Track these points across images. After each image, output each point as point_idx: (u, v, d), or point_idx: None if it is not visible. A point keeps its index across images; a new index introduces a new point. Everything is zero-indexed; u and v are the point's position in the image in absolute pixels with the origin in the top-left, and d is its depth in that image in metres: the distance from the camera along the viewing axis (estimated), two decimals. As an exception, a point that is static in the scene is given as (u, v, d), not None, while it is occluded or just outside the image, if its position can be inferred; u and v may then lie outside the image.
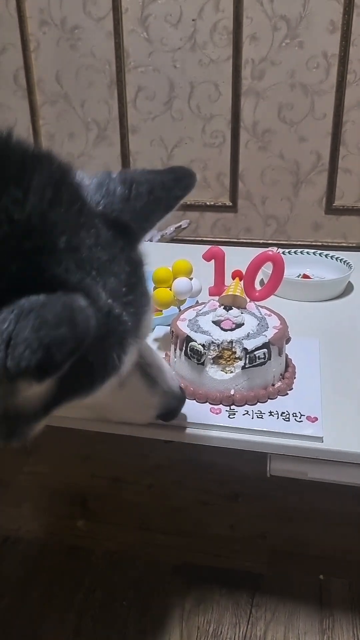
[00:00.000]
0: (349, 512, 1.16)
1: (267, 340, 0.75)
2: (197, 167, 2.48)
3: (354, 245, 2.46)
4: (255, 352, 0.75)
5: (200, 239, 2.54)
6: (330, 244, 2.45)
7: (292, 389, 0.79)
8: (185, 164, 2.42)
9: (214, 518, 1.20)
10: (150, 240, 2.36)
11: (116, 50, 2.35)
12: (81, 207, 0.49)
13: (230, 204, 2.52)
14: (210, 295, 0.91)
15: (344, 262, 1.22)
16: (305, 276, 1.21)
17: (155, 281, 0.91)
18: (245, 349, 0.74)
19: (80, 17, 2.33)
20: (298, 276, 1.20)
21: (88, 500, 1.27)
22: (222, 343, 0.75)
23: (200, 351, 0.75)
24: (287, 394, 0.78)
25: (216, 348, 0.75)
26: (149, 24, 2.30)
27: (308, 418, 0.72)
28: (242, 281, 0.87)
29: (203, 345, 0.75)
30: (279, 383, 0.78)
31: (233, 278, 0.89)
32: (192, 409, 0.74)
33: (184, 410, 0.71)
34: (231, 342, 0.75)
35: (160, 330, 0.94)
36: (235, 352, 0.74)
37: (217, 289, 0.92)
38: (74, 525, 1.20)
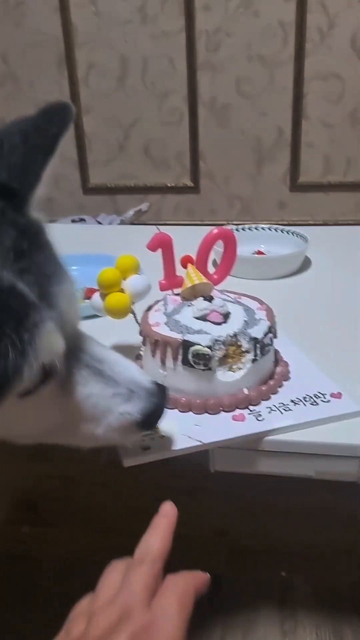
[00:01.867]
0: (311, 505, 1.09)
1: (269, 324, 0.67)
2: (155, 147, 2.38)
3: (320, 222, 2.38)
4: (264, 339, 0.66)
5: (162, 222, 2.45)
6: (296, 222, 2.37)
7: (290, 371, 0.71)
8: (143, 144, 2.33)
9: (170, 516, 1.12)
10: (110, 224, 2.26)
11: (64, 26, 2.23)
12: None
13: (192, 184, 2.42)
14: (162, 289, 0.76)
15: (300, 236, 1.14)
16: (259, 253, 1.14)
17: (102, 286, 0.75)
18: (254, 339, 0.65)
19: (23, -9, 2.21)
20: (252, 253, 1.12)
21: (38, 503, 1.18)
22: (226, 339, 0.64)
23: (208, 354, 0.64)
24: (289, 378, 0.70)
25: (221, 346, 0.64)
26: (96, -3, 2.18)
27: (332, 395, 0.66)
28: (195, 266, 0.76)
29: (209, 347, 0.64)
30: (279, 368, 0.71)
31: (184, 266, 0.77)
32: (213, 424, 0.64)
33: (202, 431, 0.61)
34: (235, 335, 0.65)
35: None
36: (241, 346, 0.65)
37: (169, 281, 0.77)
38: (21, 532, 1.11)
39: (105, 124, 2.36)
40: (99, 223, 2.30)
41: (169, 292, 0.75)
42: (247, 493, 1.12)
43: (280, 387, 0.68)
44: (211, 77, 2.23)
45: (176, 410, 0.66)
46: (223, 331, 0.65)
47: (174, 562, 1.01)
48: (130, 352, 0.73)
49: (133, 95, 2.31)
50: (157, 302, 0.75)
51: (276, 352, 0.73)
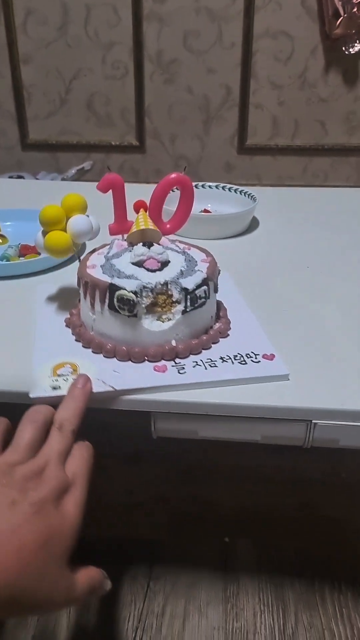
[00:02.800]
0: (253, 468, 1.08)
1: (206, 276, 0.64)
2: (99, 102, 2.26)
3: (267, 186, 2.35)
4: (197, 291, 0.63)
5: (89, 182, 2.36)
6: (244, 185, 2.33)
7: (230, 328, 0.68)
8: (86, 98, 2.21)
9: (110, 483, 1.08)
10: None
11: (-2, -36, 2.06)
12: None
13: (137, 143, 2.33)
14: (111, 234, 0.73)
15: (248, 195, 1.10)
16: (205, 211, 1.09)
17: (44, 223, 0.71)
18: (185, 290, 0.62)
19: None
20: (199, 212, 1.07)
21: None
22: (155, 286, 0.61)
23: (133, 300, 0.61)
24: (227, 335, 0.67)
25: (149, 293, 0.61)
26: None
27: (264, 357, 0.63)
28: (147, 212, 0.72)
29: (135, 293, 0.61)
30: (218, 324, 0.68)
31: (136, 211, 0.73)
32: (132, 372, 0.61)
33: (119, 377, 0.59)
34: (166, 283, 0.62)
35: (52, 285, 0.78)
36: (172, 296, 0.62)
37: (119, 225, 0.73)
38: None
39: (46, 75, 2.23)
40: (36, 178, 2.18)
41: (119, 236, 0.71)
42: (189, 459, 1.09)
43: (215, 343, 0.66)
44: (158, 29, 2.13)
45: (101, 355, 0.64)
46: (155, 279, 0.62)
47: (117, 527, 0.99)
48: (75, 295, 0.69)
49: (75, 45, 2.18)
50: (104, 245, 0.72)
51: (220, 308, 0.71)
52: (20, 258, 0.89)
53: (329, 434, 0.61)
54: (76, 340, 0.67)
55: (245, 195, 1.12)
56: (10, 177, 2.15)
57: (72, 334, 0.68)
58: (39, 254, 0.89)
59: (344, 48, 2.10)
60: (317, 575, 0.90)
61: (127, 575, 0.91)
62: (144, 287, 0.61)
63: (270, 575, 0.90)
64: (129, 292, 0.61)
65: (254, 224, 1.06)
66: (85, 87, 2.24)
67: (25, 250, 0.90)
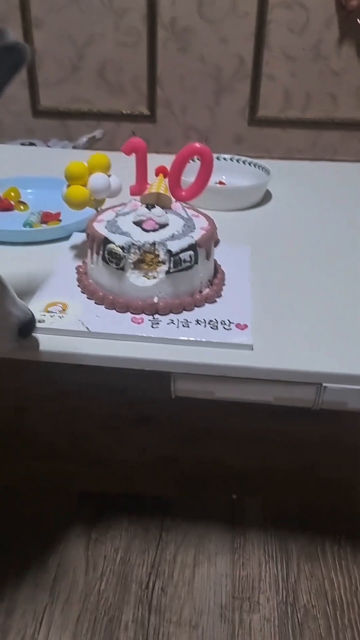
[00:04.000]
0: (260, 430, 1.13)
1: (194, 242, 0.68)
2: (111, 69, 2.26)
3: (276, 159, 2.36)
4: (181, 255, 0.67)
5: (117, 151, 2.35)
6: (253, 157, 2.34)
7: (220, 296, 0.73)
8: (98, 65, 2.21)
9: (123, 443, 1.14)
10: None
11: None
12: None
13: (149, 113, 2.33)
14: (131, 194, 0.80)
15: (262, 168, 1.13)
16: (220, 183, 1.12)
17: (68, 177, 0.79)
18: (169, 252, 0.67)
19: None
20: (214, 183, 1.10)
21: (-11, 432, 1.17)
22: (143, 245, 0.67)
23: (119, 254, 0.67)
24: (215, 301, 0.72)
25: (137, 251, 0.67)
26: None
27: (237, 326, 0.67)
28: (167, 179, 0.77)
29: (122, 248, 0.66)
30: (207, 290, 0.72)
31: (156, 175, 0.78)
32: (111, 319, 0.67)
33: (98, 322, 0.65)
34: (154, 243, 0.67)
35: (77, 237, 0.85)
36: (158, 256, 0.67)
37: (139, 187, 0.80)
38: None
39: (58, 40, 2.21)
40: (48, 146, 2.19)
41: (137, 197, 0.76)
42: (197, 420, 1.14)
43: (200, 306, 0.70)
44: (172, -4, 2.11)
45: (92, 301, 0.70)
46: (148, 238, 0.67)
47: (130, 483, 1.05)
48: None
49: (88, 10, 2.16)
50: (122, 204, 0.77)
51: (217, 274, 0.75)
52: (43, 225, 0.92)
53: (337, 397, 0.65)
54: (78, 285, 0.73)
55: (258, 168, 1.14)
56: (22, 143, 2.15)
57: (76, 280, 0.74)
58: (61, 220, 0.93)
59: (359, 20, 2.09)
60: (319, 530, 0.96)
61: (140, 526, 0.97)
62: (133, 244, 0.66)
63: (274, 529, 0.96)
64: (117, 246, 0.66)
65: (267, 196, 1.09)
66: (97, 53, 2.23)
67: (47, 218, 0.93)
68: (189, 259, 0.68)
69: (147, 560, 0.92)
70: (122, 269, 0.67)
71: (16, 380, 1.24)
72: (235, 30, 2.15)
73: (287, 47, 2.18)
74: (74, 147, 2.21)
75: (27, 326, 0.61)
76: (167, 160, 0.77)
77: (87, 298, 0.71)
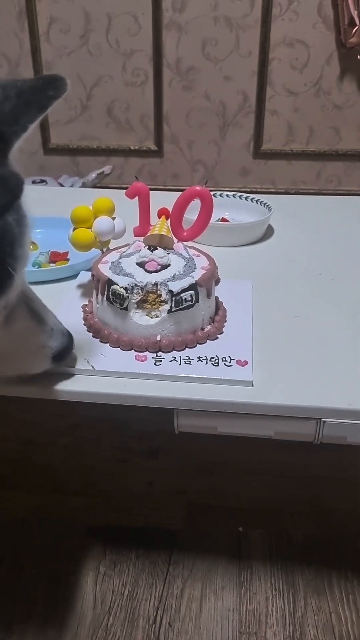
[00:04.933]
0: (267, 462, 1.14)
1: (195, 282, 0.70)
2: (119, 108, 2.33)
3: (282, 190, 2.41)
4: (182, 295, 0.70)
5: (125, 186, 2.41)
6: (259, 189, 2.39)
7: (222, 332, 0.74)
8: (106, 104, 2.28)
9: (131, 476, 1.15)
10: (72, 187, 2.22)
11: (23, -25, 2.13)
12: None
13: (156, 148, 2.40)
14: (135, 235, 0.83)
15: (264, 204, 1.15)
16: (223, 220, 1.15)
17: (74, 221, 0.82)
18: (170, 292, 0.69)
19: None
20: (216, 220, 1.13)
21: (-2, 465, 1.19)
22: (146, 285, 0.69)
23: (123, 295, 0.69)
24: (217, 338, 0.73)
25: (140, 291, 0.69)
26: None
27: (238, 362, 0.68)
28: (169, 220, 0.80)
29: (125, 289, 0.69)
30: (209, 327, 0.74)
31: (159, 217, 0.82)
32: (116, 357, 0.69)
33: (103, 360, 0.67)
34: (156, 284, 0.69)
35: (84, 277, 0.87)
36: (160, 295, 0.70)
37: (142, 228, 0.83)
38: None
39: (68, 82, 2.29)
40: (61, 185, 2.25)
41: (141, 238, 0.79)
42: (205, 452, 1.15)
43: (202, 343, 0.72)
44: (177, 37, 2.19)
45: (98, 340, 0.72)
46: (150, 279, 0.70)
47: (138, 515, 1.05)
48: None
49: (97, 53, 2.24)
50: (126, 245, 0.80)
51: (219, 311, 0.77)
52: (51, 264, 0.95)
53: (337, 432, 0.66)
54: (84, 324, 0.75)
55: (261, 204, 1.17)
56: (34, 181, 2.22)
57: (82, 318, 0.76)
58: (68, 260, 0.96)
59: (359, 56, 2.15)
60: (325, 563, 0.96)
61: (147, 560, 0.98)
62: (136, 285, 0.69)
63: (281, 562, 0.96)
64: (120, 287, 0.69)
65: (269, 232, 1.11)
66: (105, 93, 2.31)
67: (55, 257, 0.97)
68: (190, 298, 0.70)
69: (155, 594, 0.92)
70: (126, 308, 0.70)
71: (25, 414, 1.26)
72: (239, 68, 2.22)
73: (289, 83, 2.24)
74: (84, 183, 2.27)
75: (61, 354, 0.64)
76: (171, 197, 0.80)
77: (93, 336, 0.73)
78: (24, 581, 0.94)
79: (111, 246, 0.85)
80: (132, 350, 0.71)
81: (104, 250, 0.84)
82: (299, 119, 2.29)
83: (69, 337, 0.65)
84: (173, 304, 0.69)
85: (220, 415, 0.67)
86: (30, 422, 1.27)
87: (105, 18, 2.18)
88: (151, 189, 0.82)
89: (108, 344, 0.72)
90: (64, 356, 0.65)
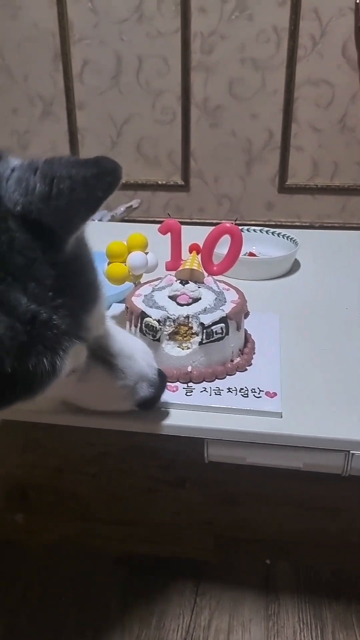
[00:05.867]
0: (296, 495, 1.13)
1: (225, 315, 0.73)
2: (147, 144, 2.41)
3: (307, 224, 2.44)
4: (213, 327, 0.72)
5: (152, 219, 2.48)
6: (283, 223, 2.43)
7: (251, 364, 0.77)
8: (135, 141, 2.35)
9: (159, 505, 1.16)
10: (100, 220, 2.28)
11: (60, 20, 2.24)
12: None
13: (183, 183, 2.46)
14: (167, 270, 0.86)
15: (291, 239, 1.19)
16: (251, 254, 1.18)
17: (109, 255, 0.86)
18: (202, 324, 0.72)
19: (20, -15, 2.22)
20: (244, 254, 1.16)
21: (28, 492, 1.21)
22: (177, 318, 0.72)
23: (155, 327, 0.72)
24: (246, 370, 0.76)
25: (172, 323, 0.72)
26: (93, -6, 2.20)
27: (267, 394, 0.70)
28: (200, 255, 0.84)
29: (158, 321, 0.72)
30: (238, 359, 0.76)
31: (190, 252, 0.85)
32: None
33: None
34: (187, 317, 0.72)
35: (116, 308, 0.90)
36: (191, 328, 0.72)
37: (174, 263, 0.87)
38: (13, 519, 1.14)
39: (99, 120, 2.38)
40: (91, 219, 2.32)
41: (172, 272, 0.82)
42: (233, 483, 1.16)
43: (231, 374, 0.74)
44: (204, 78, 2.27)
45: None
46: (182, 312, 0.72)
47: (165, 546, 1.06)
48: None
49: (127, 92, 2.33)
50: (158, 278, 0.83)
51: (248, 343, 0.79)
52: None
53: (366, 464, 0.67)
54: None
55: (287, 239, 1.20)
56: (64, 214, 2.28)
57: None
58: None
59: (382, 95, 2.19)
60: (354, 597, 0.95)
61: (175, 590, 0.98)
62: (168, 317, 0.71)
63: (309, 595, 0.96)
64: (153, 320, 0.72)
65: (295, 266, 1.14)
66: (135, 130, 2.39)
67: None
68: (220, 331, 0.73)
69: (182, 625, 0.93)
70: (158, 340, 0.72)
71: (55, 442, 1.29)
72: (265, 106, 2.28)
73: (314, 120, 2.29)
74: (113, 216, 2.34)
75: (145, 404, 0.64)
76: (199, 231, 0.83)
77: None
78: (53, 608, 0.96)
79: (143, 279, 0.88)
80: None
81: (137, 283, 0.87)
82: (324, 155, 2.34)
83: (157, 387, 0.64)
84: (204, 336, 0.72)
85: (249, 446, 0.69)
86: (60, 450, 1.29)
87: (136, 60, 2.27)
88: (187, 225, 0.85)
89: None
90: (149, 406, 0.65)
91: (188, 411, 0.69)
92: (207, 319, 0.72)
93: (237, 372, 0.75)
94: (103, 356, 0.59)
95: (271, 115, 2.29)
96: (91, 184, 0.49)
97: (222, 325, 0.73)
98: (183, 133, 2.36)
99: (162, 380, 0.65)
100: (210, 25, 2.18)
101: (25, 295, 0.45)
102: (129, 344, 0.63)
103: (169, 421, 0.68)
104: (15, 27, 2.28)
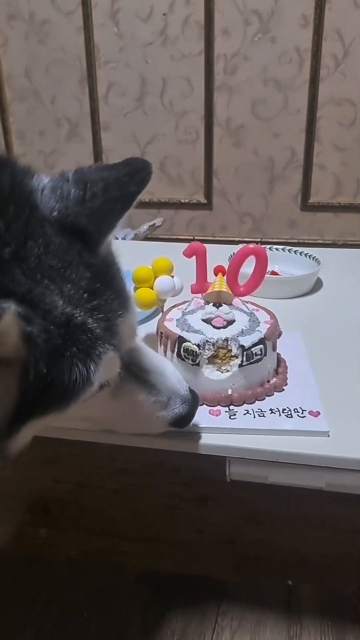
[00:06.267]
0: (318, 516, 1.13)
1: (263, 336, 0.73)
2: (170, 163, 2.44)
3: (329, 242, 2.43)
4: (252, 349, 0.72)
5: (175, 237, 2.50)
6: (306, 241, 2.43)
7: (287, 384, 0.76)
8: (159, 160, 2.39)
9: (180, 523, 1.16)
10: (124, 239, 2.31)
11: (86, 45, 2.30)
12: (29, 216, 0.47)
13: (205, 201, 2.48)
14: (192, 292, 0.86)
15: (313, 258, 1.19)
16: (273, 273, 1.18)
17: (135, 281, 0.86)
18: (242, 346, 0.71)
19: (49, 11, 2.28)
20: (267, 273, 1.16)
21: (50, 506, 1.22)
22: (217, 341, 0.71)
23: (195, 351, 0.72)
24: (283, 389, 0.75)
25: (211, 347, 0.71)
26: (119, 19, 2.25)
27: (310, 413, 0.70)
28: (225, 276, 0.84)
29: (198, 345, 0.71)
30: (274, 379, 0.76)
31: (215, 274, 0.85)
32: None
33: None
34: (226, 339, 0.72)
35: (140, 331, 0.91)
36: (230, 350, 0.71)
37: (199, 286, 0.86)
38: (35, 533, 1.15)
39: (123, 140, 2.43)
40: (114, 237, 2.35)
41: (199, 295, 0.82)
42: (255, 502, 1.15)
43: (270, 395, 0.74)
44: (227, 98, 2.29)
45: None
46: (218, 335, 0.72)
47: (187, 564, 1.06)
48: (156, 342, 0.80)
49: (151, 113, 2.37)
50: (185, 302, 0.83)
51: (280, 363, 0.79)
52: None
53: None
54: None
55: (309, 257, 1.20)
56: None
57: None
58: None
59: None
60: (378, 621, 0.94)
61: (196, 609, 0.98)
62: (207, 341, 0.71)
63: (331, 617, 0.95)
64: (193, 344, 0.71)
65: (318, 285, 1.14)
66: (158, 150, 2.42)
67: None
68: (259, 352, 0.72)
69: (203, 644, 0.92)
70: (198, 364, 0.72)
71: (78, 457, 1.30)
72: (287, 126, 2.30)
73: (337, 139, 2.30)
74: (136, 235, 2.37)
75: (179, 422, 0.63)
76: (221, 251, 0.83)
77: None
78: (74, 624, 0.96)
79: (166, 303, 0.88)
80: (204, 405, 0.72)
81: (163, 307, 0.88)
82: (347, 173, 2.34)
83: (190, 403, 0.64)
84: (244, 358, 0.71)
85: (271, 465, 0.68)
86: (82, 465, 1.30)
87: (160, 82, 2.31)
88: (200, 240, 0.86)
89: None
90: (183, 423, 0.64)
91: (234, 435, 0.68)
92: (246, 341, 0.72)
93: (275, 393, 0.74)
94: (136, 372, 0.59)
95: (294, 135, 2.31)
96: (124, 182, 0.51)
97: (261, 346, 0.72)
98: (206, 152, 2.39)
99: (194, 397, 0.65)
100: (233, 47, 2.21)
101: (61, 298, 0.46)
102: (159, 361, 0.63)
103: (209, 441, 0.68)
104: (43, 51, 2.34)
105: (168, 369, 0.63)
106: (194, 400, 0.64)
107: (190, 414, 0.64)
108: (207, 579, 1.04)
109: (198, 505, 1.20)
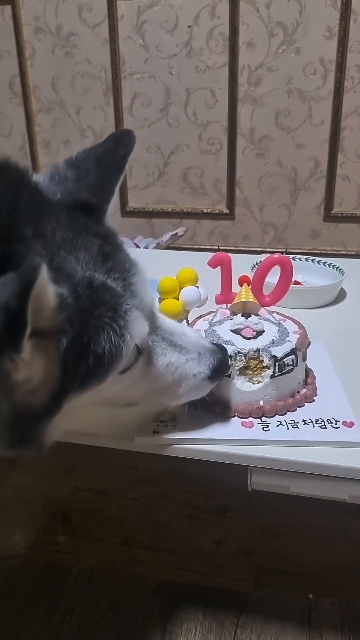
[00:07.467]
0: (340, 529, 1.11)
1: (294, 346, 0.72)
2: (194, 174, 2.45)
3: (353, 253, 2.42)
4: (284, 359, 0.71)
5: (197, 246, 2.51)
6: (329, 251, 2.41)
7: (317, 394, 0.75)
8: (182, 171, 2.40)
9: (199, 533, 1.15)
10: (146, 247, 2.33)
11: (112, 57, 2.33)
12: (40, 201, 0.53)
13: (228, 211, 2.48)
14: (217, 303, 0.85)
15: (337, 268, 1.18)
16: (296, 283, 1.18)
17: (161, 292, 0.87)
18: (274, 357, 0.70)
19: (75, 24, 2.32)
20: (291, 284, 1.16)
21: (70, 514, 1.22)
22: (248, 352, 0.71)
23: None
24: (313, 400, 0.74)
25: (242, 358, 0.70)
26: (144, 31, 2.28)
27: (344, 423, 0.69)
28: (250, 286, 0.83)
29: (230, 356, 0.70)
30: (304, 390, 0.75)
31: (240, 284, 0.85)
32: (221, 425, 0.70)
33: (215, 426, 0.69)
34: (258, 350, 0.71)
35: None
36: (262, 361, 0.71)
37: (224, 296, 0.86)
38: (55, 541, 1.15)
39: (147, 151, 2.45)
40: (136, 245, 2.37)
41: (224, 305, 0.82)
42: (275, 514, 1.14)
43: (300, 406, 0.73)
44: (251, 109, 2.30)
45: (198, 407, 0.71)
46: (249, 345, 0.71)
47: (206, 575, 1.05)
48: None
49: (175, 124, 2.39)
50: (210, 312, 0.83)
51: (309, 374, 0.78)
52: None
53: None
54: None
55: (333, 267, 1.19)
56: (112, 241, 2.34)
57: None
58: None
59: None
60: None
61: (215, 620, 0.97)
62: (238, 352, 0.70)
63: (352, 634, 0.93)
64: None
65: (341, 295, 1.13)
66: (182, 160, 2.44)
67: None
68: (291, 363, 0.71)
69: (222, 657, 0.91)
70: (229, 375, 0.71)
71: (98, 465, 1.30)
72: (311, 136, 2.30)
73: (361, 150, 2.29)
74: (158, 244, 2.38)
75: (215, 373, 0.65)
76: (244, 261, 0.82)
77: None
78: (93, 633, 0.96)
79: (190, 314, 0.88)
80: (236, 417, 0.71)
81: (188, 318, 0.88)
82: (371, 184, 2.33)
83: (220, 352, 0.65)
84: (276, 369, 0.70)
85: (293, 475, 0.67)
86: (101, 473, 1.30)
87: (184, 93, 2.33)
88: (223, 250, 0.85)
89: (210, 412, 0.71)
90: (220, 373, 0.66)
91: (270, 447, 0.68)
92: (278, 352, 0.71)
93: (306, 404, 0.73)
94: (163, 335, 0.62)
95: (317, 145, 2.30)
96: (112, 150, 0.58)
97: (293, 357, 0.71)
98: (229, 163, 2.39)
99: (220, 346, 0.66)
100: (257, 59, 2.22)
101: (79, 265, 0.50)
102: (176, 323, 0.65)
103: (241, 451, 0.67)
104: (69, 63, 2.38)
105: (187, 328, 0.66)
106: (221, 350, 0.66)
107: (224, 361, 0.65)
108: (226, 590, 1.03)
109: (217, 515, 1.19)
